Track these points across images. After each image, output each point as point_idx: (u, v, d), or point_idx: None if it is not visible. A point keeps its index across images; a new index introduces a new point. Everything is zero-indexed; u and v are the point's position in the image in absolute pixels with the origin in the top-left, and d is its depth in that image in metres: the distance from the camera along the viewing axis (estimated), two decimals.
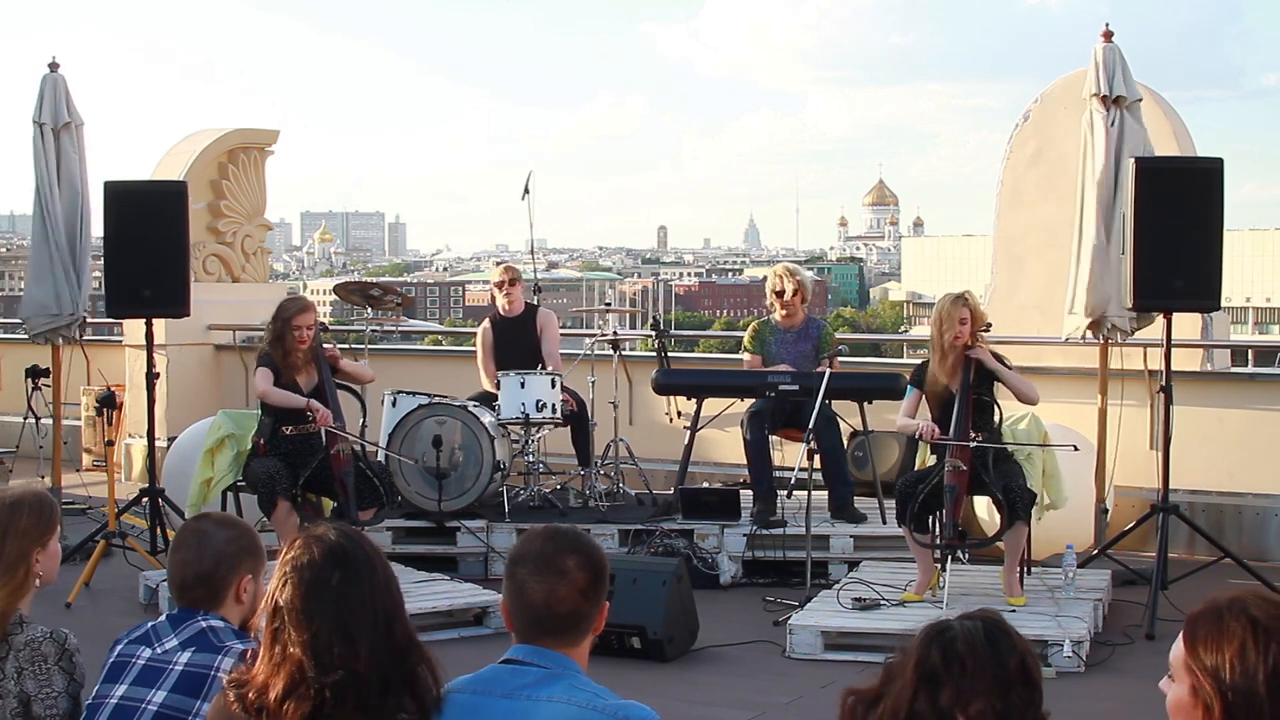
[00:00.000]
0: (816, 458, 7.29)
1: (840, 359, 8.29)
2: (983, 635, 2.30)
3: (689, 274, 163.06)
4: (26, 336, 9.03)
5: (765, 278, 8.95)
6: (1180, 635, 2.32)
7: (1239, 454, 8.57)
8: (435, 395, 8.59)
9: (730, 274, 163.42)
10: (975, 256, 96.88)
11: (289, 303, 7.61)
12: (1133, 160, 7.41)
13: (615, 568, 4.73)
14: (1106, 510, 8.05)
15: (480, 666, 2.76)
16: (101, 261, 8.58)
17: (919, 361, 7.27)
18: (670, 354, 9.58)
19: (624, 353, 9.58)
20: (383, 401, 8.74)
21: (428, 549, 8.15)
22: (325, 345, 7.60)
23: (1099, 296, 7.72)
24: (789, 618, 6.74)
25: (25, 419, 10.60)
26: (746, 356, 8.60)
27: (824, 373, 7.67)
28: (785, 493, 7.86)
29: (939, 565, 6.88)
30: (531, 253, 10.58)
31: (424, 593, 7.12)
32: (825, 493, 8.04)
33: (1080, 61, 8.01)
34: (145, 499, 8.31)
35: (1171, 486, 7.33)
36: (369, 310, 9.67)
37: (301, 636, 2.63)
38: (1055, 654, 6.16)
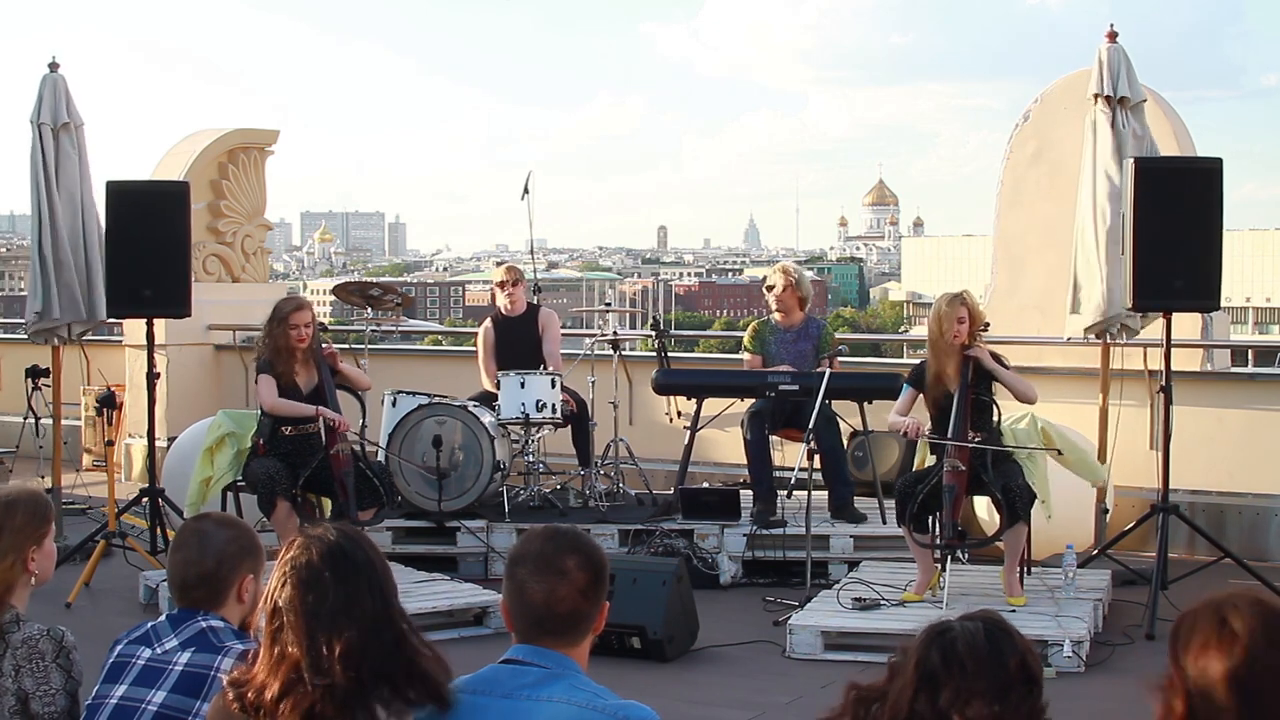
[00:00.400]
0: (816, 458, 7.29)
1: (840, 359, 8.30)
2: (983, 636, 2.30)
3: (689, 274, 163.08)
4: (28, 337, 9.02)
5: (764, 277, 8.96)
6: None
7: (1239, 454, 8.57)
8: (435, 395, 8.59)
9: (730, 274, 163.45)
10: (975, 256, 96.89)
11: (285, 302, 7.60)
12: (1132, 160, 7.41)
13: (615, 568, 4.73)
14: (1106, 510, 8.05)
15: (480, 666, 2.76)
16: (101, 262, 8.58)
17: (918, 361, 7.27)
18: (670, 354, 9.58)
19: (624, 353, 9.58)
20: (383, 401, 8.74)
21: (428, 549, 8.15)
22: (324, 345, 7.59)
23: (1103, 297, 7.71)
24: (789, 618, 6.74)
25: (25, 419, 10.60)
26: (746, 356, 8.60)
27: (824, 373, 7.68)
28: (785, 493, 7.86)
29: (939, 565, 6.88)
30: (531, 253, 10.58)
31: (424, 593, 7.12)
32: (825, 493, 8.04)
33: (1081, 61, 8.04)
34: (145, 499, 8.30)
35: (1171, 486, 7.33)
36: (369, 310, 9.66)
37: (301, 636, 2.63)
38: (1055, 654, 6.16)
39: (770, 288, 8.51)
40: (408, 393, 8.65)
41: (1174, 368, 7.42)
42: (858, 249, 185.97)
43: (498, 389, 8.39)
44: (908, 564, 7.12)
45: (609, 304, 11.33)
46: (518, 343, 8.91)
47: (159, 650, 3.13)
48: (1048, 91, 9.31)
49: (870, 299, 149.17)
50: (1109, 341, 7.97)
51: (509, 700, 2.66)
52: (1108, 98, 7.78)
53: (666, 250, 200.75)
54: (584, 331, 11.55)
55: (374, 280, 18.19)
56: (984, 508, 7.77)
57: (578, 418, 8.74)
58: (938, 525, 6.83)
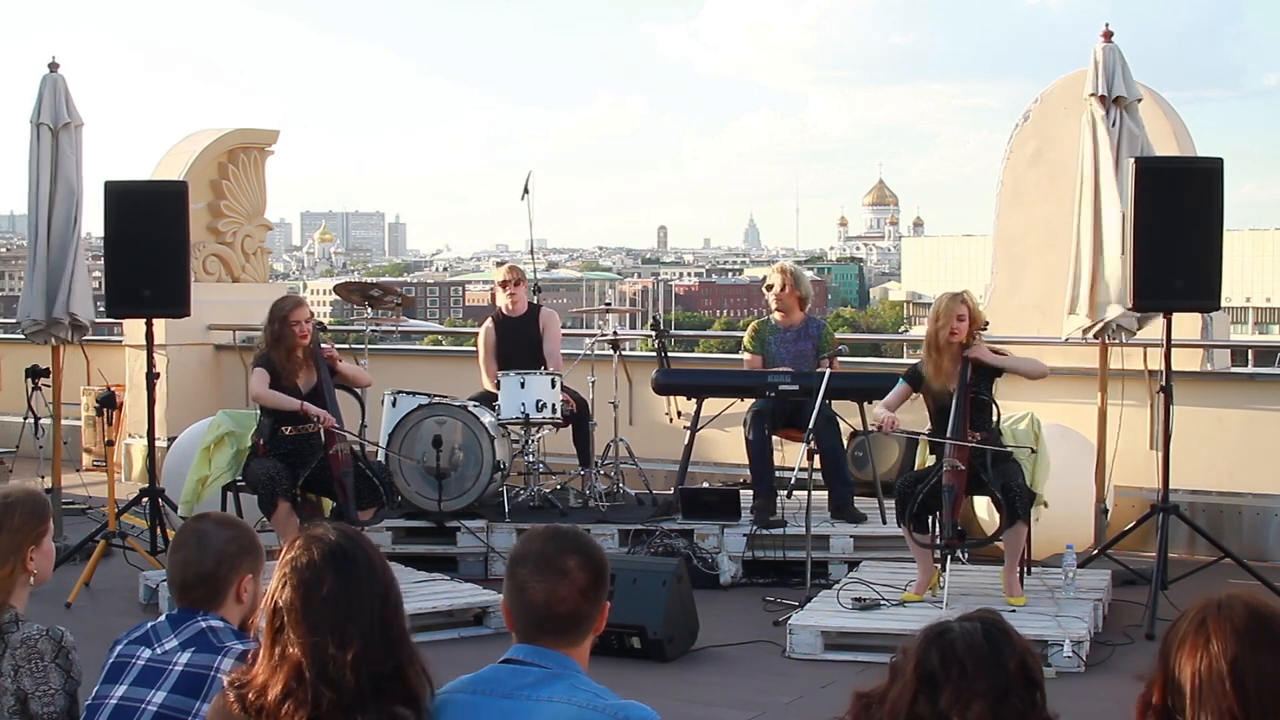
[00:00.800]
0: (816, 458, 7.29)
1: (840, 359, 8.30)
2: (982, 637, 2.30)
3: (689, 274, 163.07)
4: (26, 337, 9.02)
5: (764, 277, 8.96)
6: None
7: (1239, 454, 8.57)
8: (435, 395, 8.59)
9: (730, 274, 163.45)
10: (975, 256, 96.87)
11: (283, 301, 7.60)
12: (1132, 160, 7.40)
13: (615, 568, 4.73)
14: (1106, 510, 8.05)
15: (480, 666, 2.76)
16: (101, 262, 8.58)
17: (918, 360, 7.26)
18: (670, 354, 9.58)
19: (624, 353, 9.58)
20: (383, 401, 8.74)
21: (428, 549, 8.14)
22: (323, 345, 7.59)
23: (1103, 297, 7.71)
24: (789, 618, 6.74)
25: (25, 419, 10.59)
26: (746, 356, 8.60)
27: (824, 373, 7.68)
28: (785, 493, 7.86)
29: (939, 565, 6.88)
30: (531, 253, 10.57)
31: (424, 593, 7.11)
32: (825, 493, 8.04)
33: (1081, 61, 8.01)
34: (145, 499, 8.30)
35: (1171, 486, 7.33)
36: (369, 310, 9.66)
37: (301, 637, 2.62)
38: (1055, 654, 6.16)
39: (770, 287, 8.53)
40: (408, 393, 8.64)
41: (1174, 368, 7.42)
42: (858, 249, 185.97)
43: (498, 389, 8.39)
44: (908, 564, 7.11)
45: (609, 304, 11.31)
46: (518, 343, 8.91)
47: (159, 650, 3.12)
48: (1048, 91, 9.31)
49: (870, 299, 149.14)
50: (1107, 342, 7.96)
51: (509, 700, 2.66)
52: (1102, 97, 7.77)
53: (666, 250, 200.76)
54: (584, 331, 11.54)
55: (374, 280, 18.20)
56: (984, 508, 7.77)
57: (578, 418, 8.74)
58: (938, 525, 6.83)
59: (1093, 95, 7.81)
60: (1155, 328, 7.68)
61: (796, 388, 7.96)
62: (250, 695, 2.64)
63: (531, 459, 8.57)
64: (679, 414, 9.26)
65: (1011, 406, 7.50)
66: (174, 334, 10.56)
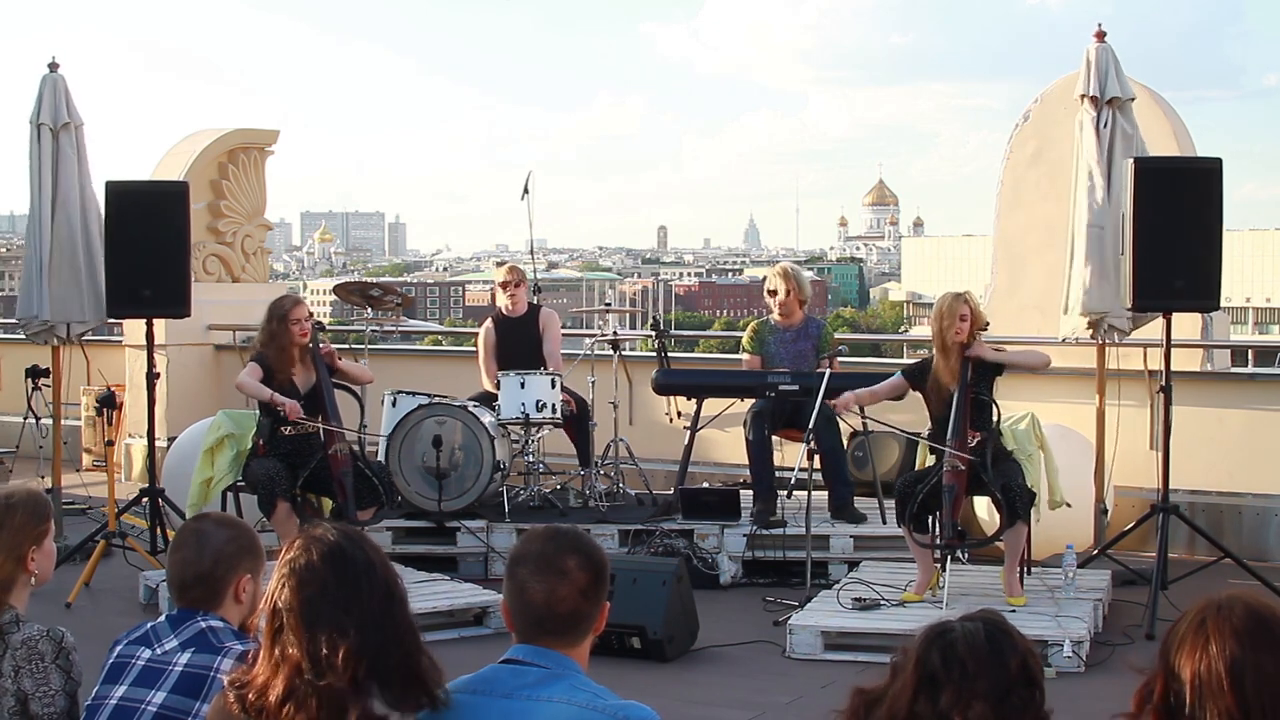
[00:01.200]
0: (816, 458, 7.29)
1: (840, 359, 8.30)
2: (983, 637, 2.30)
3: (689, 274, 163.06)
4: (27, 337, 9.02)
5: (765, 278, 8.95)
6: None
7: (1239, 454, 8.57)
8: (435, 395, 8.59)
9: (730, 274, 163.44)
10: (975, 256, 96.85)
11: (281, 300, 7.60)
12: (1131, 160, 7.40)
13: (615, 568, 4.73)
14: (1106, 510, 8.05)
15: (480, 666, 2.76)
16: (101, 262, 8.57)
17: (919, 359, 7.27)
18: (670, 354, 9.57)
19: (624, 353, 9.58)
20: (383, 401, 8.75)
21: (428, 549, 8.14)
22: (321, 344, 7.58)
23: (1094, 298, 7.71)
24: (789, 618, 6.74)
25: (25, 419, 10.60)
26: (745, 356, 8.60)
27: (824, 373, 7.68)
28: (785, 493, 7.86)
29: (939, 565, 6.88)
30: (531, 253, 10.57)
31: (424, 593, 7.11)
32: (825, 493, 8.04)
33: (1081, 62, 8.00)
34: (145, 499, 8.30)
35: (1171, 486, 7.33)
36: (369, 310, 9.66)
37: (301, 638, 2.62)
38: (1055, 654, 6.16)
39: (773, 293, 8.50)
40: (408, 393, 8.65)
41: (1174, 368, 7.42)
42: (858, 249, 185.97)
43: (498, 389, 8.39)
44: (908, 564, 7.12)
45: (609, 304, 11.32)
46: (518, 343, 8.90)
47: (159, 651, 3.12)
48: (1048, 91, 9.31)
49: (870, 299, 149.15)
50: (1103, 342, 7.96)
51: (509, 700, 2.66)
52: (1094, 98, 7.77)
53: (666, 250, 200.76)
54: (584, 331, 11.54)
55: (374, 280, 18.18)
56: (984, 508, 7.77)
57: (578, 418, 8.73)
58: (937, 525, 6.83)
59: (1084, 96, 7.80)
60: (1154, 327, 7.68)
61: (796, 388, 7.96)
62: (250, 695, 2.64)
63: (531, 459, 8.57)
64: (679, 414, 9.26)
65: (1011, 407, 7.50)
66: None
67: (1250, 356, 14.98)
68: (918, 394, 7.05)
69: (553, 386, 8.35)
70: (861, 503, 8.20)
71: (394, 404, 8.63)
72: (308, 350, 7.43)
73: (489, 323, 9.19)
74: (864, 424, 8.25)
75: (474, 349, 9.63)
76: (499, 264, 10.82)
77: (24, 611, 3.42)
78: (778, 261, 28.24)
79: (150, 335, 8.38)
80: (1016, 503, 6.69)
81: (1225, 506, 8.51)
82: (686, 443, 8.57)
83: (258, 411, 7.60)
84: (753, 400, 8.27)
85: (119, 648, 3.20)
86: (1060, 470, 7.57)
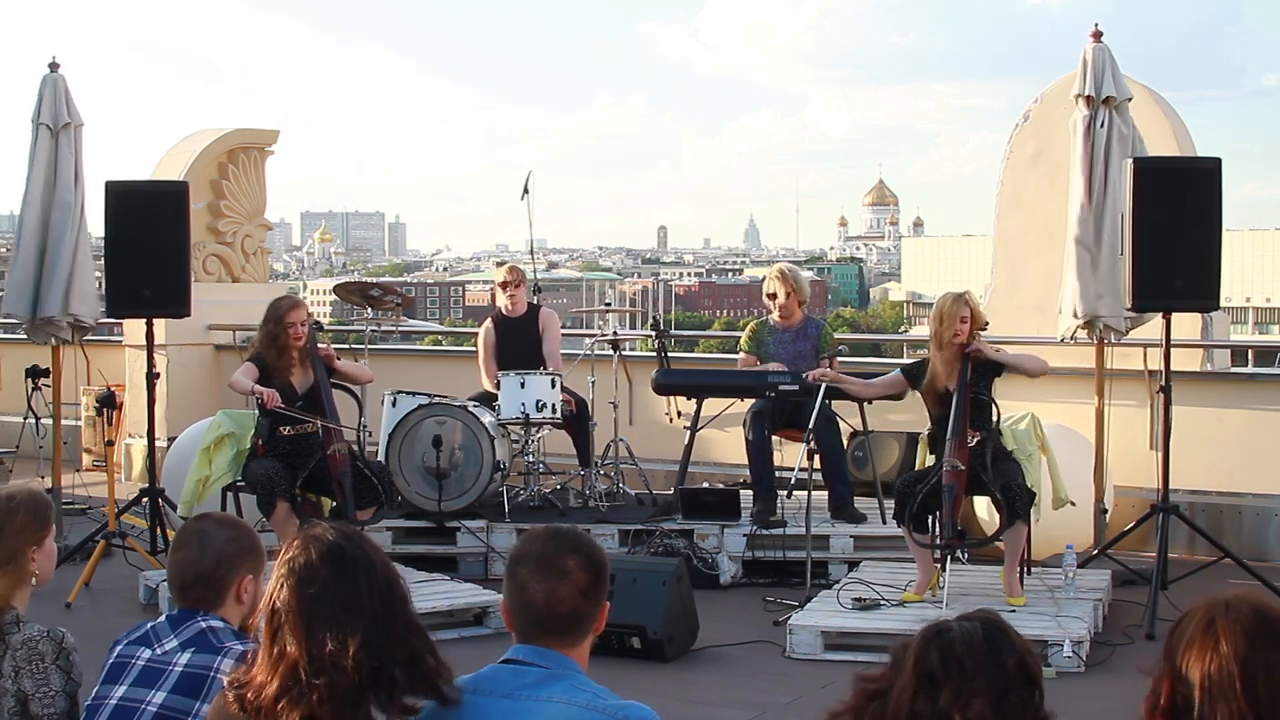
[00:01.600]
0: (816, 458, 7.29)
1: (840, 359, 8.29)
2: (981, 636, 2.30)
3: (689, 274, 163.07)
4: (25, 336, 9.01)
5: (764, 278, 8.95)
6: None
7: (1239, 454, 8.57)
8: (435, 395, 8.59)
9: (730, 274, 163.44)
10: (975, 256, 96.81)
11: (280, 301, 7.59)
12: (1131, 160, 7.40)
13: (615, 568, 4.73)
14: (1106, 510, 8.05)
15: (480, 666, 2.76)
16: (102, 262, 8.57)
17: (918, 359, 7.26)
18: (670, 354, 9.58)
19: (624, 353, 9.58)
20: (383, 401, 8.75)
21: (428, 549, 8.15)
22: (320, 345, 7.58)
23: (1089, 298, 7.71)
24: (789, 618, 6.74)
25: (25, 419, 10.60)
26: (741, 356, 8.61)
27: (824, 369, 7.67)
28: (785, 493, 7.86)
29: (939, 565, 6.88)
30: (531, 253, 10.58)
31: (424, 593, 7.11)
32: (825, 493, 8.04)
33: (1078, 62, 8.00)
34: (145, 499, 8.31)
35: (1171, 486, 7.33)
36: (369, 310, 9.66)
37: (300, 637, 2.62)
38: (1055, 654, 6.16)
39: (772, 295, 8.51)
40: (408, 393, 8.65)
41: (1174, 368, 7.42)
42: (858, 249, 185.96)
43: (498, 389, 8.39)
44: (908, 564, 7.12)
45: (609, 304, 11.32)
46: (518, 343, 8.91)
47: (159, 651, 3.13)
48: (1048, 91, 9.31)
49: (870, 299, 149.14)
50: (1102, 342, 7.96)
51: (509, 700, 2.66)
52: (1089, 98, 7.77)
53: (666, 250, 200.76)
54: (584, 331, 11.55)
55: (374, 280, 18.18)
56: (984, 508, 7.77)
57: (578, 418, 8.74)
58: (937, 525, 6.83)
59: (1078, 96, 7.80)
60: (1154, 327, 7.68)
61: (796, 388, 7.96)
62: (249, 695, 2.64)
63: (531, 459, 8.57)
64: (679, 414, 9.26)
65: (1012, 406, 7.50)
66: (174, 334, 10.56)
67: (1250, 356, 14.97)
68: (917, 394, 7.06)
69: (553, 386, 8.36)
70: (861, 503, 8.20)
71: (394, 404, 8.63)
72: (306, 351, 7.43)
73: (489, 323, 9.19)
74: (863, 423, 8.27)
75: (474, 349, 9.63)
76: (499, 264, 10.82)
77: (24, 612, 3.42)
78: (777, 261, 28.26)
79: (150, 335, 8.38)
80: (1016, 503, 6.69)
81: (1225, 506, 8.51)
82: (686, 443, 8.57)
83: (257, 412, 7.60)
84: (752, 400, 8.28)
85: (119, 648, 3.20)
86: (1061, 470, 7.56)
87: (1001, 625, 2.34)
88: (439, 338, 20.18)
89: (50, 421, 9.34)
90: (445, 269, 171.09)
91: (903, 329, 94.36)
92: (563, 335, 9.38)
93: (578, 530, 2.85)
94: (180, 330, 10.47)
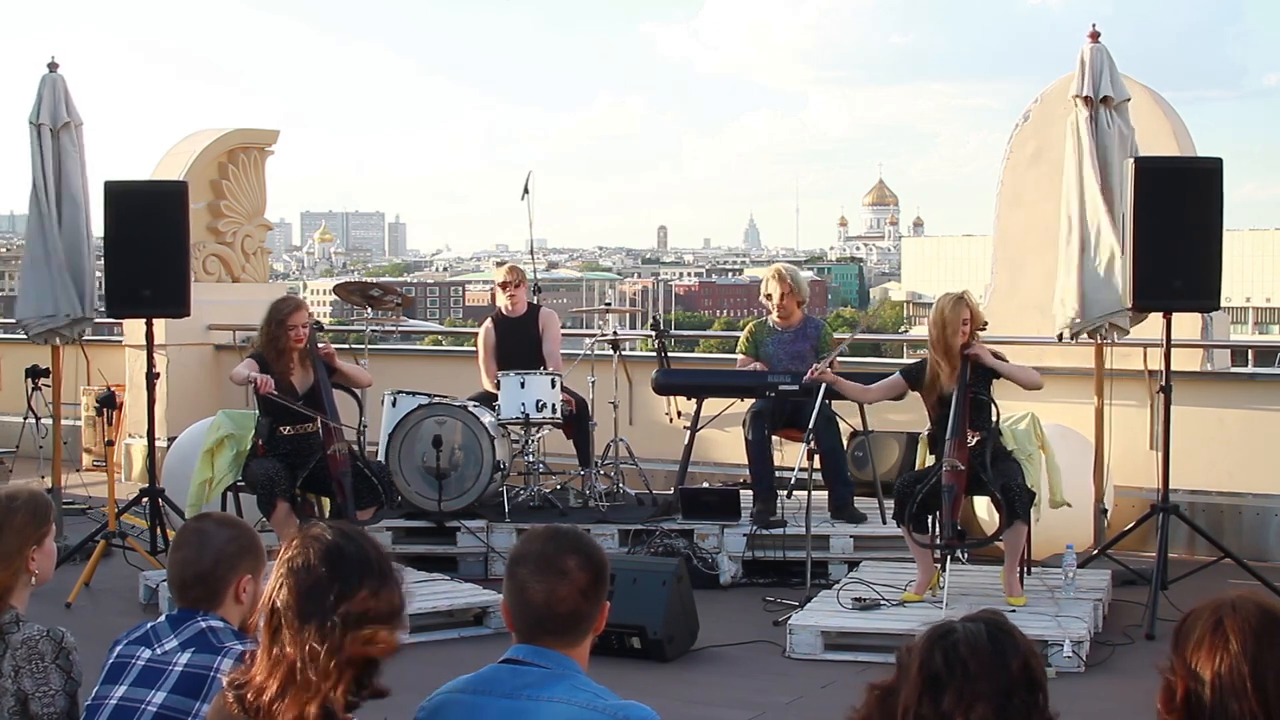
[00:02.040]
0: (816, 458, 7.29)
1: (839, 359, 8.29)
2: (986, 638, 2.30)
3: (689, 274, 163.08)
4: (25, 336, 9.01)
5: (763, 281, 8.94)
6: None
7: (1239, 454, 8.57)
8: (435, 395, 8.59)
9: (730, 274, 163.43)
10: (975, 256, 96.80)
11: (281, 303, 7.59)
12: (1132, 160, 7.40)
13: (615, 568, 4.73)
14: (1106, 510, 8.05)
15: (480, 666, 2.76)
16: (102, 262, 8.56)
17: (917, 360, 7.26)
18: (670, 354, 9.58)
19: (624, 353, 9.58)
20: (383, 401, 8.75)
21: (428, 549, 8.15)
22: (320, 345, 7.58)
23: (1087, 299, 7.70)
24: (789, 618, 6.74)
25: (25, 419, 10.60)
26: (739, 358, 8.61)
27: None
28: (785, 493, 7.86)
29: (939, 565, 6.88)
30: (531, 253, 10.57)
31: (424, 593, 7.10)
32: (825, 493, 8.04)
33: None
34: (145, 499, 8.30)
35: (1171, 486, 7.33)
36: (369, 310, 9.65)
37: (299, 637, 2.62)
38: (1055, 654, 6.16)
39: (769, 296, 8.52)
40: (408, 393, 8.65)
41: (1174, 368, 7.42)
42: (858, 249, 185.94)
43: (498, 389, 8.39)
44: (908, 564, 7.12)
45: (609, 304, 11.32)
46: (518, 343, 8.91)
47: (159, 651, 3.13)
48: (1048, 91, 9.31)
49: (870, 299, 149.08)
50: (1101, 342, 7.96)
51: (510, 700, 2.66)
52: (1087, 99, 7.77)
53: (666, 250, 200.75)
54: (584, 331, 11.54)
55: (374, 280, 18.18)
56: (984, 508, 7.77)
57: (578, 418, 8.74)
58: (937, 525, 6.83)
59: (1076, 96, 7.80)
60: (1154, 327, 7.67)
61: (796, 388, 7.96)
62: (249, 695, 2.63)
63: (531, 459, 8.57)
64: (679, 414, 9.26)
65: (1012, 406, 7.49)
66: (174, 334, 10.56)
67: (1250, 356, 14.95)
68: (917, 394, 7.05)
69: (553, 386, 8.36)
70: (861, 503, 8.20)
71: (394, 404, 8.63)
72: (306, 352, 7.43)
73: (489, 323, 9.19)
74: (863, 423, 8.27)
75: (474, 349, 9.63)
76: (499, 264, 10.81)
77: (24, 611, 3.42)
78: (777, 261, 28.23)
79: (150, 335, 8.38)
80: (1016, 502, 6.68)
81: (1225, 506, 8.51)
82: (686, 443, 8.57)
83: (257, 412, 7.60)
84: (752, 400, 8.28)
85: (119, 648, 3.20)
86: (1060, 470, 7.56)
87: (1006, 627, 2.33)
88: (439, 338, 20.16)
89: (50, 421, 9.34)
90: (445, 269, 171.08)
91: (903, 329, 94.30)
92: (563, 335, 9.37)
93: (578, 530, 2.85)
94: (180, 330, 10.47)
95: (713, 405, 8.59)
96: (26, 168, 8.67)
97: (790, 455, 8.35)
